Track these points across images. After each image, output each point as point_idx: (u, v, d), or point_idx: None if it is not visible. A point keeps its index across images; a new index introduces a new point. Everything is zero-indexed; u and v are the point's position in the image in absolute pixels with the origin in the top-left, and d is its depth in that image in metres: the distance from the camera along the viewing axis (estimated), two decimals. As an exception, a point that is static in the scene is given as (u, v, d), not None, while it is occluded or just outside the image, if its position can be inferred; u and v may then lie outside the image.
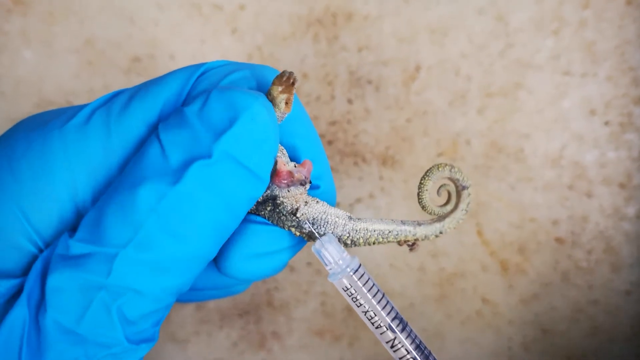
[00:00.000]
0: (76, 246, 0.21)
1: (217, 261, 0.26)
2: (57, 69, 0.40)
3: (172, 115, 0.23)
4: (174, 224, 0.21)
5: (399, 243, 0.26)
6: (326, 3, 0.40)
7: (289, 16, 0.40)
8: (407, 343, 0.24)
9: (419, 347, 0.24)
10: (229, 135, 0.22)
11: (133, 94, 0.24)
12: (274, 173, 0.24)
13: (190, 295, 0.30)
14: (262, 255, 0.25)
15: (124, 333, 0.22)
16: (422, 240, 0.26)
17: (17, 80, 0.40)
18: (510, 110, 0.39)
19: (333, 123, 0.40)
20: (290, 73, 0.24)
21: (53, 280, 0.21)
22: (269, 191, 0.24)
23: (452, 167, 0.25)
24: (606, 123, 0.39)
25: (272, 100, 0.24)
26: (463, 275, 0.40)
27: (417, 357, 0.24)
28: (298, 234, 0.25)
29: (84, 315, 0.21)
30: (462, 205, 0.26)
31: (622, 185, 0.39)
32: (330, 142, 0.40)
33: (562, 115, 0.39)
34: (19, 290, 0.22)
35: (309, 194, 0.26)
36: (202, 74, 0.25)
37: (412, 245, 0.26)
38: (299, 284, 0.40)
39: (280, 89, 0.23)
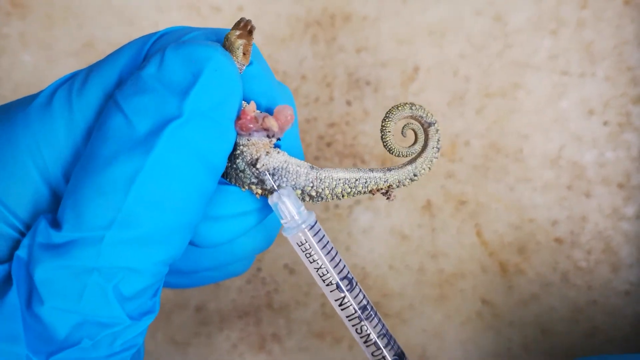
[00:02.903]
0: (58, 235, 0.21)
1: None
2: (57, 72, 0.40)
3: (129, 81, 0.22)
4: (155, 195, 0.21)
5: (372, 192, 0.25)
6: (324, 4, 0.40)
7: (287, 17, 0.40)
8: (354, 302, 0.24)
9: (366, 307, 0.24)
10: (196, 91, 0.21)
11: (92, 68, 0.23)
12: (237, 116, 0.23)
13: (189, 279, 0.30)
14: (223, 218, 0.24)
15: (124, 311, 0.22)
16: (397, 186, 0.25)
17: (17, 83, 0.40)
18: (508, 110, 0.39)
19: (332, 125, 0.40)
20: (248, 20, 0.23)
21: (41, 273, 0.21)
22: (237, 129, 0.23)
23: (413, 104, 0.24)
24: (605, 123, 0.39)
25: (229, 47, 0.23)
26: (462, 276, 0.40)
27: (362, 316, 0.24)
28: (260, 192, 0.24)
29: (80, 300, 0.21)
30: (431, 143, 0.25)
31: (620, 185, 0.39)
32: (329, 144, 0.40)
33: (561, 115, 0.39)
34: (7, 275, 0.22)
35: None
36: (159, 38, 0.24)
37: (387, 193, 0.25)
38: (299, 286, 0.41)
39: (237, 33, 0.22)
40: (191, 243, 0.25)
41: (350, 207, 0.40)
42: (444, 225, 0.40)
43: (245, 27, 0.23)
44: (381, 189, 0.25)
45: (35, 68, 0.40)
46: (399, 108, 0.24)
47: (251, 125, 0.22)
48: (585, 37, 0.39)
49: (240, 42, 0.22)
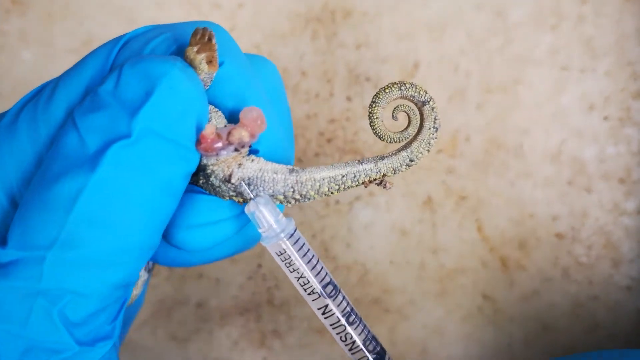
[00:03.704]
0: (4, 253, 0.20)
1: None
2: (56, 70, 0.40)
3: (88, 97, 0.21)
4: (100, 215, 0.20)
5: (364, 185, 0.23)
6: (324, 0, 0.40)
7: (288, 13, 0.40)
8: (337, 310, 0.23)
9: (350, 314, 0.23)
10: (147, 109, 0.20)
11: (57, 81, 0.23)
12: (197, 141, 0.21)
13: (203, 262, 0.29)
14: (204, 226, 0.23)
15: (73, 336, 0.21)
16: (392, 174, 0.23)
17: (16, 81, 0.40)
18: (509, 106, 0.39)
19: (332, 121, 0.40)
20: (204, 29, 0.21)
21: None
22: (202, 152, 0.22)
23: (402, 84, 0.22)
24: (605, 118, 0.39)
25: (191, 63, 0.21)
26: (463, 272, 0.40)
27: (346, 325, 0.23)
28: (242, 200, 0.23)
29: (27, 324, 0.20)
30: (427, 124, 0.22)
31: (621, 180, 0.39)
32: (329, 140, 0.40)
33: (561, 110, 0.39)
34: None
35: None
36: (124, 45, 0.23)
37: (382, 183, 0.23)
38: (299, 282, 0.41)
39: (195, 49, 0.21)
40: (171, 244, 0.24)
41: (350, 203, 0.40)
42: (445, 221, 0.40)
43: (202, 38, 0.21)
44: (375, 179, 0.23)
45: (34, 65, 0.40)
46: (387, 90, 0.22)
47: (217, 145, 0.21)
48: (586, 32, 0.38)
49: (200, 58, 0.21)
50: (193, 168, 0.22)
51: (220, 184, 0.22)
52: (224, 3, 0.40)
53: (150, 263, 0.28)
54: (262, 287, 0.41)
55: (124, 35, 0.23)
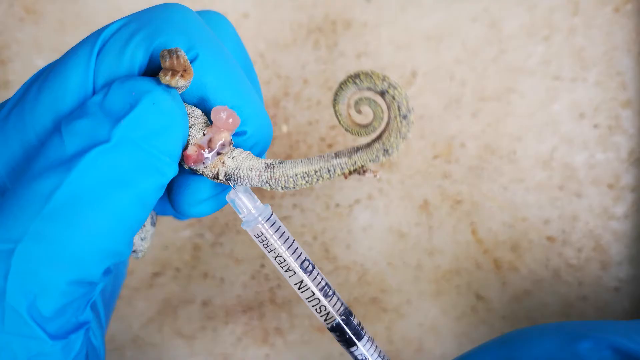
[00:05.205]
0: None
1: (173, 207, 0.25)
2: (68, 76, 0.40)
3: (77, 109, 0.22)
4: (70, 214, 0.20)
5: (344, 176, 0.23)
6: (326, 11, 0.40)
7: (291, 24, 0.40)
8: (313, 285, 0.25)
9: (324, 289, 0.25)
10: (129, 119, 0.21)
11: (42, 84, 0.23)
12: (183, 156, 0.22)
13: None
14: (209, 199, 0.25)
15: (45, 332, 0.21)
16: (372, 163, 0.22)
17: (30, 87, 0.41)
18: (502, 113, 0.40)
19: (333, 127, 0.41)
20: (170, 50, 0.21)
21: None
22: (190, 167, 0.23)
23: (357, 76, 0.21)
24: (595, 126, 0.39)
25: (169, 85, 0.22)
26: (458, 273, 0.41)
27: (321, 298, 0.25)
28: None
29: (3, 320, 0.20)
30: (392, 113, 0.21)
31: (610, 186, 0.40)
32: (330, 145, 0.41)
33: (553, 118, 0.40)
34: None
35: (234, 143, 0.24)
36: (102, 48, 0.23)
37: (363, 173, 0.23)
38: (300, 281, 0.41)
39: (167, 77, 0.21)
40: (184, 216, 0.25)
41: (350, 206, 0.41)
42: (441, 224, 0.41)
43: (172, 59, 0.21)
44: (356, 170, 0.23)
45: (47, 72, 0.41)
46: (343, 87, 0.22)
47: (204, 157, 0.23)
48: (577, 43, 0.39)
49: (175, 80, 0.21)
50: (166, 181, 0.22)
51: (212, 180, 0.24)
52: (229, 12, 0.40)
53: (155, 216, 0.29)
54: (264, 287, 0.41)
55: (99, 34, 0.23)
